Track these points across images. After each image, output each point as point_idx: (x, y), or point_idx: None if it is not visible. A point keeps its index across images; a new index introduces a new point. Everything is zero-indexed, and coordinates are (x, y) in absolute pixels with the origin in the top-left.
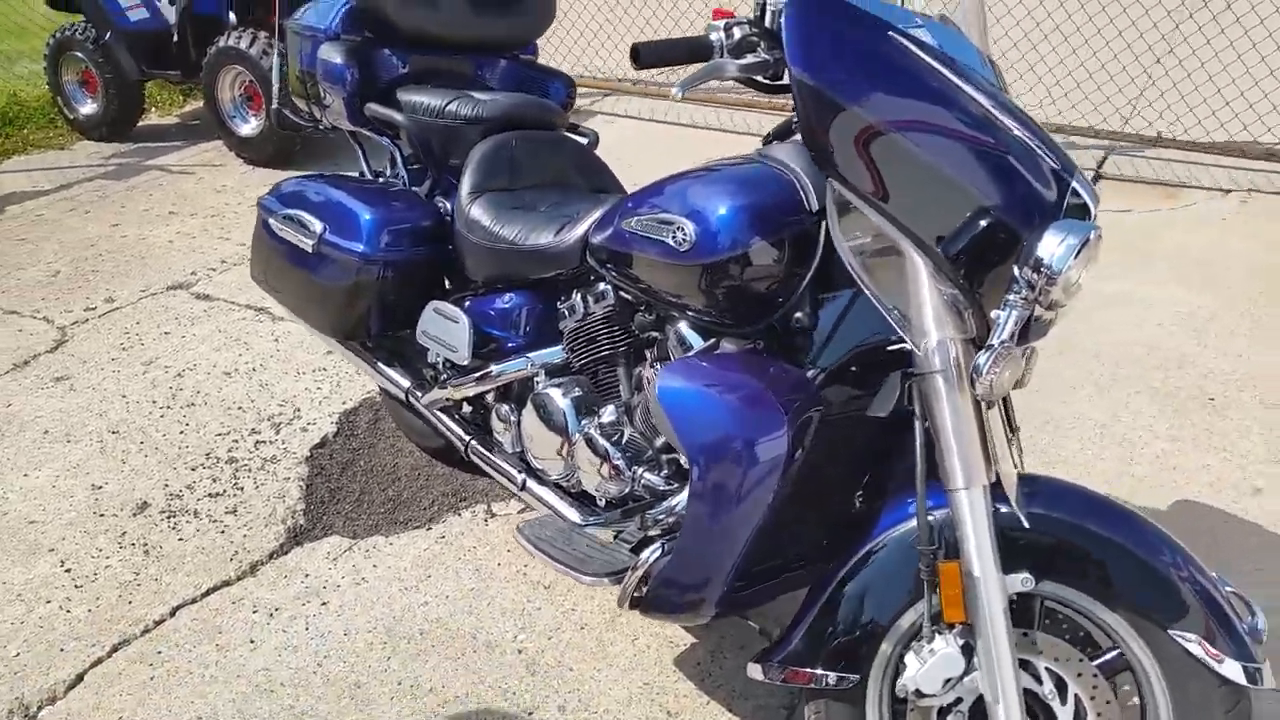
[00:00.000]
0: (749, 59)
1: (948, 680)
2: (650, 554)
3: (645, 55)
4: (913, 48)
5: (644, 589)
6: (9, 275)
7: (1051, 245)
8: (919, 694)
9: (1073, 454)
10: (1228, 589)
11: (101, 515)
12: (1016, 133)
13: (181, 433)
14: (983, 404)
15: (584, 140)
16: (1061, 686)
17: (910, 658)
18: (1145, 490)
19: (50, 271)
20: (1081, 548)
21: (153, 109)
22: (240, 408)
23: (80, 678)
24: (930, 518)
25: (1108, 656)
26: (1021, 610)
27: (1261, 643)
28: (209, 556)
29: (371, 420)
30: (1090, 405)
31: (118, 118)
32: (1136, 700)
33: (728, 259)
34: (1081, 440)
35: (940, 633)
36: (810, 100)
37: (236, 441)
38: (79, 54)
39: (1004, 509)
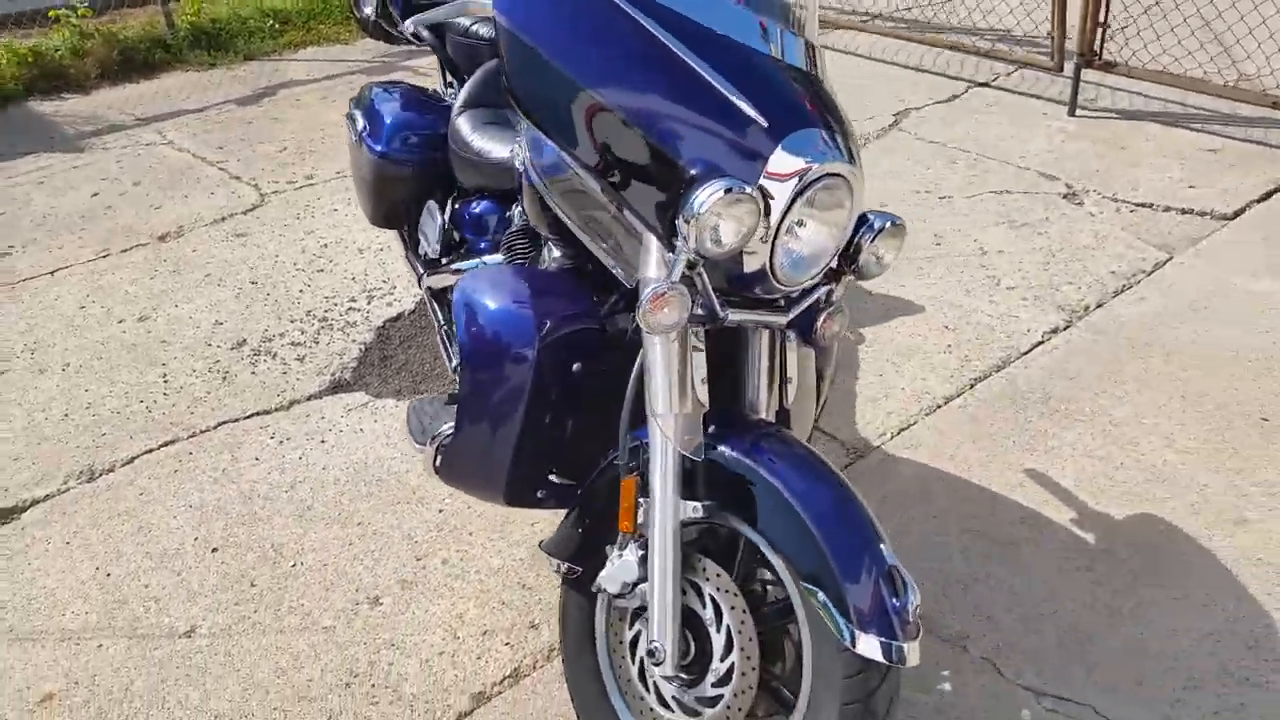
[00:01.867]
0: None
1: (625, 584)
2: (444, 429)
3: None
4: (620, 3)
5: (438, 460)
6: (250, 147)
7: (701, 195)
8: (609, 593)
9: (1064, 444)
10: (890, 564)
11: (209, 345)
12: (718, 90)
13: (300, 291)
14: (688, 340)
15: None
16: (720, 615)
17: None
18: (1110, 497)
19: (279, 147)
20: (753, 491)
21: None
22: (353, 279)
23: (131, 460)
24: (636, 441)
25: (778, 599)
26: (729, 541)
27: (910, 622)
28: (264, 390)
29: None
30: (1120, 401)
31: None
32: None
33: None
34: (1081, 433)
35: (631, 541)
36: (507, 45)
37: (335, 305)
38: None
39: (715, 443)
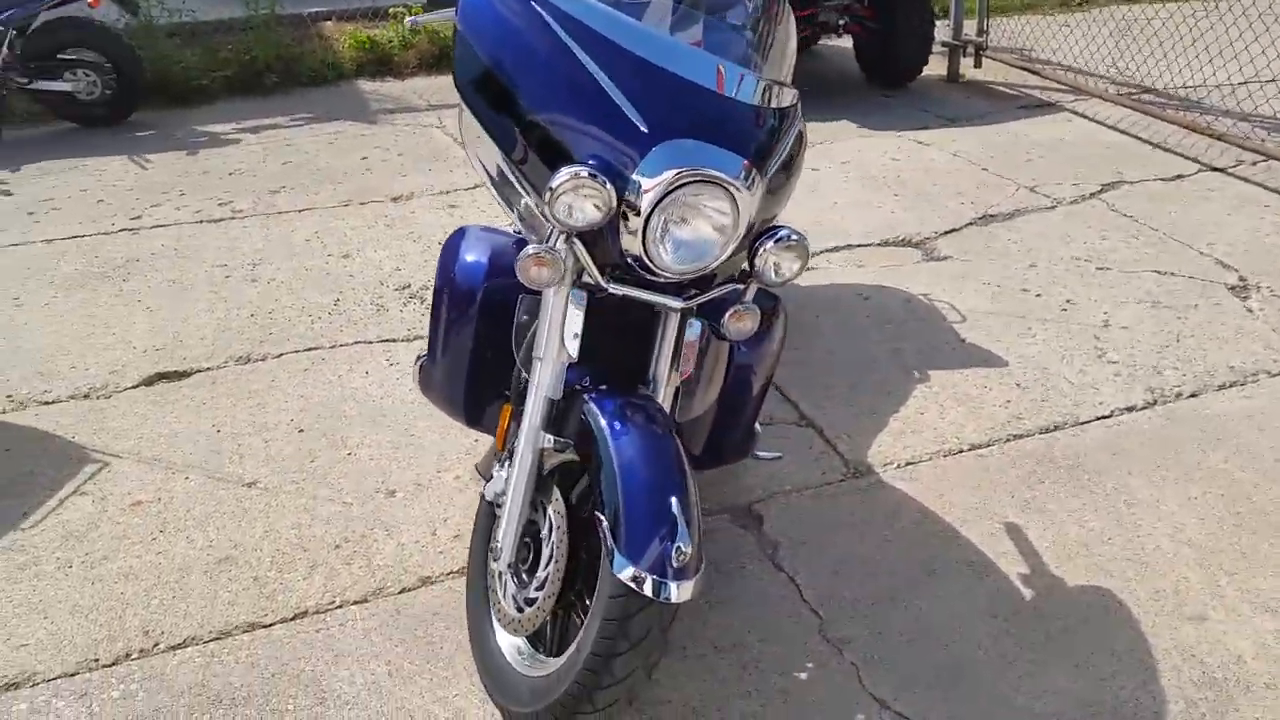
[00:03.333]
0: None
1: (498, 494)
2: (424, 351)
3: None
4: (544, 14)
5: (418, 376)
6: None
7: (560, 174)
8: (488, 501)
9: (1062, 509)
10: (676, 515)
11: (381, 284)
12: (613, 100)
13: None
14: (567, 300)
15: None
16: (552, 532)
17: None
18: (1077, 565)
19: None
20: (594, 437)
21: None
22: None
23: (280, 355)
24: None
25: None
26: (580, 474)
27: (675, 566)
28: (401, 324)
29: None
30: (1150, 485)
31: None
32: None
33: None
34: (1086, 503)
35: (507, 460)
36: (460, 47)
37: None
38: None
39: (587, 393)
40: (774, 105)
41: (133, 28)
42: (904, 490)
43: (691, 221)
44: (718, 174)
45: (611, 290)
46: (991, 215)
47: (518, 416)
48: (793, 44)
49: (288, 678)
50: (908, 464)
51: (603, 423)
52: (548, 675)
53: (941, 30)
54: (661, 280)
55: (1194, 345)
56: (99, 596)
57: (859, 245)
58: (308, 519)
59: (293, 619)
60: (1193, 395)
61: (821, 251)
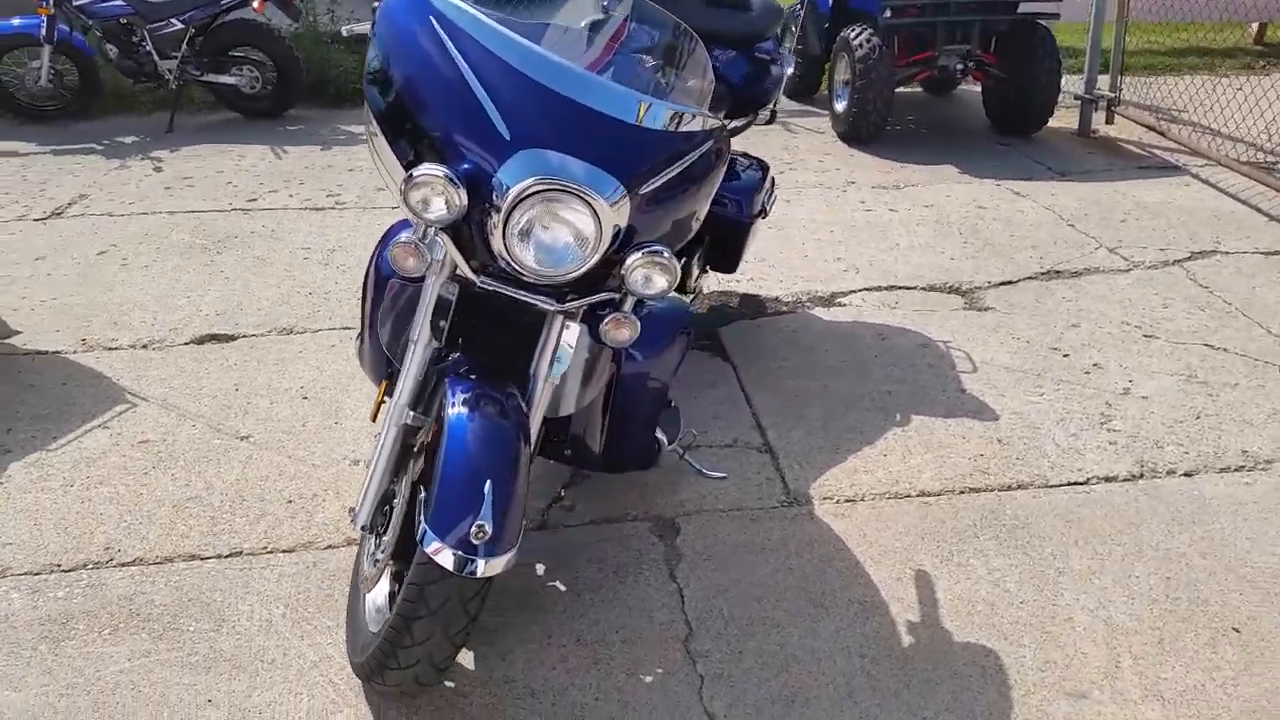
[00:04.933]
0: None
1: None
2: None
3: None
4: (437, 26)
5: (356, 349)
6: None
7: (417, 168)
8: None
9: (985, 567)
10: (490, 499)
11: None
12: (485, 110)
13: None
14: (435, 289)
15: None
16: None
17: None
18: (973, 624)
19: None
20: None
21: None
22: None
23: (317, 331)
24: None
25: None
26: None
27: (472, 543)
28: None
29: None
30: (1094, 559)
31: None
32: None
33: None
34: (1014, 566)
35: None
36: (369, 47)
37: None
38: None
39: (455, 380)
40: (664, 127)
41: (299, 32)
42: (831, 525)
43: (551, 228)
44: (575, 185)
45: (481, 284)
46: (1057, 271)
47: (391, 392)
48: (705, 76)
49: (200, 604)
50: (847, 500)
51: (449, 406)
52: (375, 632)
53: (1075, 83)
54: (531, 281)
55: (1212, 425)
56: (82, 514)
57: (901, 288)
58: (276, 474)
59: (228, 556)
60: (1186, 474)
61: (857, 290)
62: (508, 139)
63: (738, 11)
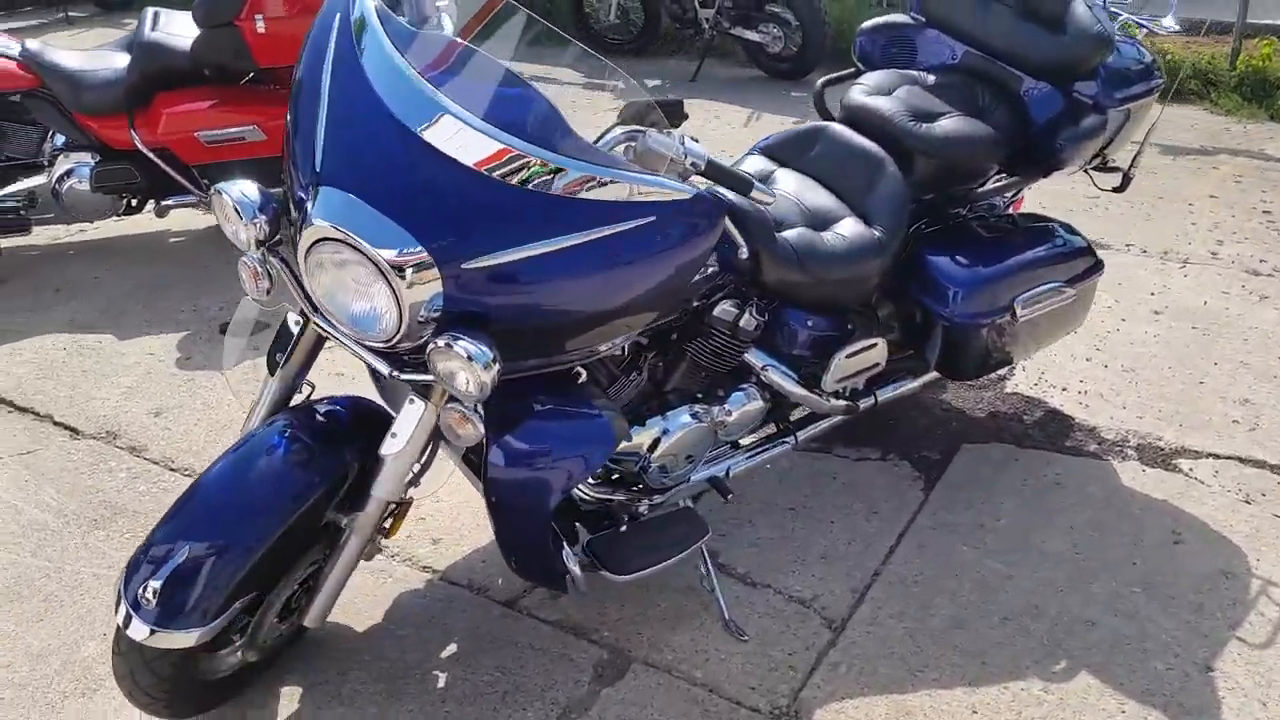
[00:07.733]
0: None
1: None
2: None
3: None
4: (333, 34)
5: None
6: None
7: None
8: None
9: None
10: (188, 557)
11: None
12: (319, 138)
13: None
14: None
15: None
16: None
17: None
18: None
19: None
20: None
21: None
22: None
23: None
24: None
25: None
26: None
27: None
28: None
29: None
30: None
31: None
32: None
33: None
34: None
35: None
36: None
37: None
38: None
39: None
40: (519, 182)
41: None
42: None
43: (330, 270)
44: (361, 242)
45: (315, 325)
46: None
47: None
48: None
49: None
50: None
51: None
52: None
53: None
54: (347, 332)
55: None
56: (136, 414)
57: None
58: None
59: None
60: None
61: (1219, 455)
62: (319, 172)
63: (1048, 32)
